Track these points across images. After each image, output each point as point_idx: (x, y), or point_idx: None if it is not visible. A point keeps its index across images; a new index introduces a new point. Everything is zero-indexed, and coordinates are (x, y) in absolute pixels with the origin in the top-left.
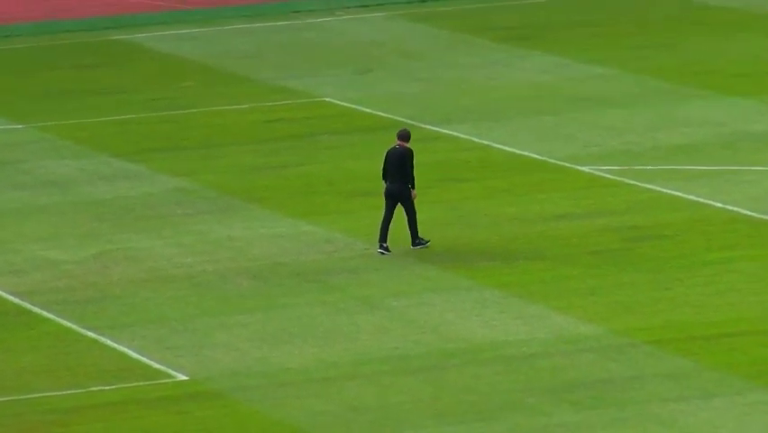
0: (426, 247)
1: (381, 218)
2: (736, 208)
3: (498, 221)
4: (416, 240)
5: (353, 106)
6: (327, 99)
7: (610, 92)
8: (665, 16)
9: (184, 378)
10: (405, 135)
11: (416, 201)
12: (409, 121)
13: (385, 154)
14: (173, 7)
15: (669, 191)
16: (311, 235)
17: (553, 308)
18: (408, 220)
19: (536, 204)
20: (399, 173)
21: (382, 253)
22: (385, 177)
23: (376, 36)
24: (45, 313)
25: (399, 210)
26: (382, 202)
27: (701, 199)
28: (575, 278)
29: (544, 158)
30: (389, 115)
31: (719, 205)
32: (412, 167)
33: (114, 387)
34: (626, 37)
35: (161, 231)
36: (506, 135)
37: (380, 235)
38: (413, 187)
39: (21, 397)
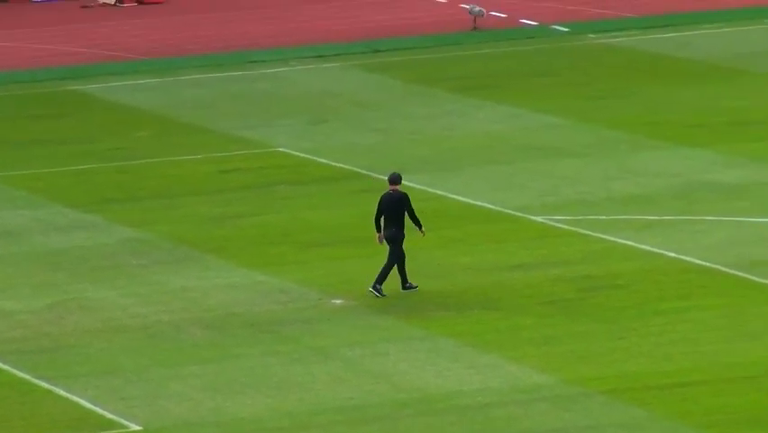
0: (380, 297)
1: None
2: (689, 258)
3: (452, 271)
4: (377, 286)
5: (309, 157)
6: (282, 149)
7: (564, 142)
8: (618, 66)
9: (138, 428)
10: (397, 179)
11: (376, 248)
12: (365, 171)
13: (379, 200)
14: (128, 57)
15: (622, 241)
16: (266, 286)
17: (507, 358)
18: (385, 264)
19: (490, 254)
20: (396, 218)
21: (410, 289)
22: (378, 222)
23: (331, 86)
24: None
25: (371, 257)
26: (337, 252)
27: (655, 249)
28: (529, 327)
29: (498, 208)
30: (345, 166)
31: (673, 255)
32: (412, 210)
33: None
34: (579, 87)
35: (116, 281)
36: (460, 185)
37: (401, 278)
38: (420, 226)
39: None
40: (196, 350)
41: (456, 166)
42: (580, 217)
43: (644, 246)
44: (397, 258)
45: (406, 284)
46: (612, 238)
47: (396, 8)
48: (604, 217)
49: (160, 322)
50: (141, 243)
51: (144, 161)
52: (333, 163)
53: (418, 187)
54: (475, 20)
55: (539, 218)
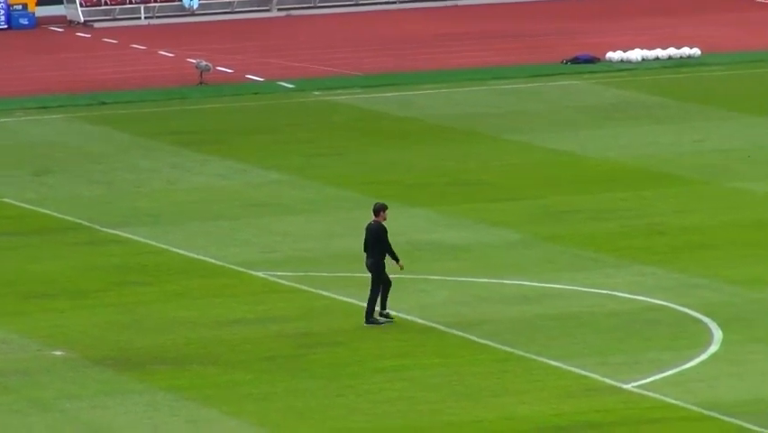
0: (380, 325)
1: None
2: (409, 317)
3: (172, 325)
4: (370, 318)
5: (32, 207)
6: (6, 200)
7: (287, 198)
8: (342, 124)
9: None
10: (376, 210)
11: (91, 303)
12: (87, 223)
13: (365, 229)
14: None
15: (344, 298)
16: None
17: (226, 413)
18: (370, 295)
19: (211, 308)
20: (373, 248)
21: (386, 320)
22: (366, 251)
23: (55, 138)
24: None
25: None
26: (58, 304)
27: (375, 307)
28: (248, 383)
29: (220, 263)
30: (68, 217)
31: (393, 313)
32: (387, 241)
33: None
34: (304, 143)
35: None
36: (183, 239)
37: (381, 306)
38: (397, 260)
39: None
40: None
41: (179, 220)
42: (302, 274)
43: (364, 304)
44: (377, 286)
45: (383, 312)
46: (333, 295)
47: (122, 61)
48: (326, 274)
49: None
50: None
51: None
52: (57, 215)
53: (141, 240)
54: (202, 74)
55: (261, 274)
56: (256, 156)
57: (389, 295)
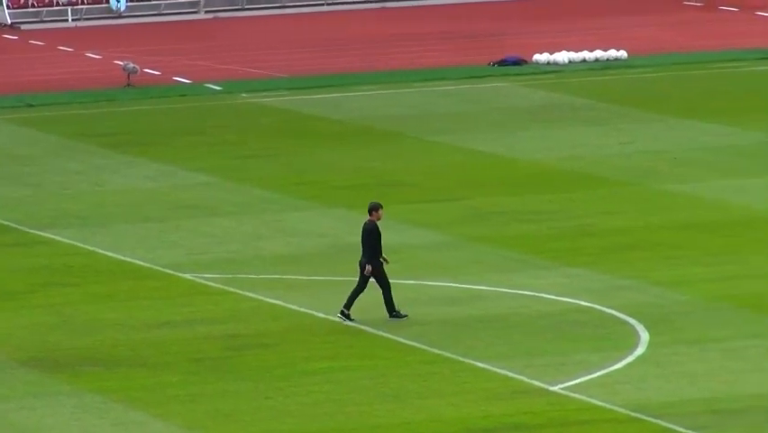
0: (349, 322)
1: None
2: (337, 318)
3: (100, 327)
4: (344, 310)
5: None
6: None
7: (215, 200)
8: (270, 126)
9: None
10: (369, 209)
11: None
12: (14, 225)
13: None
14: None
15: (271, 300)
16: None
17: (154, 415)
18: (355, 288)
19: (139, 310)
20: (364, 248)
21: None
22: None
23: None
24: None
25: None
26: (10, 304)
27: (303, 309)
28: (175, 385)
29: (147, 264)
30: None
31: (321, 315)
32: (375, 240)
33: None
34: (231, 146)
35: None
36: (110, 241)
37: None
38: (368, 261)
39: None
40: None
41: (107, 222)
42: (229, 276)
43: (292, 306)
44: (362, 287)
45: (393, 312)
46: (261, 297)
47: (49, 63)
48: (253, 276)
49: None
50: None
51: None
52: None
53: (67, 241)
54: (129, 76)
55: (188, 276)
56: (184, 158)
57: (386, 297)
